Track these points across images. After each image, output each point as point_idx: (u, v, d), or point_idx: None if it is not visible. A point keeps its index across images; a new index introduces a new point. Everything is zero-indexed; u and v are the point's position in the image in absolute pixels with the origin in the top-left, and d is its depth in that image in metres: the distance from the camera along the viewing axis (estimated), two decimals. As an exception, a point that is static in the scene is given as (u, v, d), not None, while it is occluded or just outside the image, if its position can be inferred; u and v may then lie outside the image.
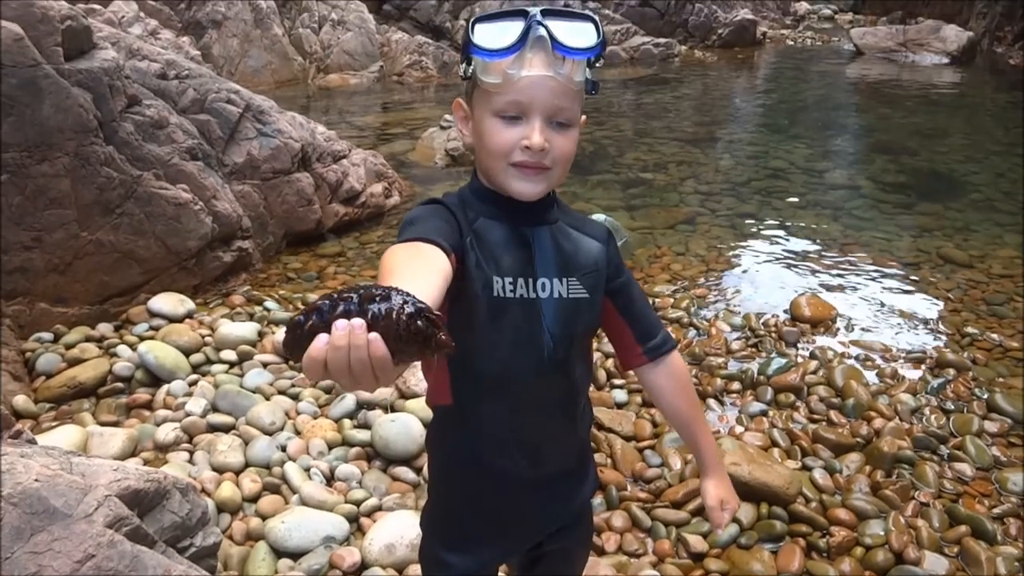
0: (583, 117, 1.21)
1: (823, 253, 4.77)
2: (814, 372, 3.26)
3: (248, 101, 4.47)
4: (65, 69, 3.20)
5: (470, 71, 1.17)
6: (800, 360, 3.38)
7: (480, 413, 1.26)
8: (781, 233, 5.14)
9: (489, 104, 1.15)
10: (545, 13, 1.14)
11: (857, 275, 4.42)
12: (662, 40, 14.37)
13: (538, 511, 1.33)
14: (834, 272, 4.47)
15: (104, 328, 3.43)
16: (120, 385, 3.04)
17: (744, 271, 4.49)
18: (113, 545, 1.41)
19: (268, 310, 3.73)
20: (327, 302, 0.69)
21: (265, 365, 3.19)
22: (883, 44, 14.22)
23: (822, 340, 3.60)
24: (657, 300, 3.99)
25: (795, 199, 5.90)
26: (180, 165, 3.79)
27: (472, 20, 1.14)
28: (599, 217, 4.80)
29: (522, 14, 1.14)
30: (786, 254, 4.77)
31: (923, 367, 3.36)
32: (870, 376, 3.27)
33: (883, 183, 6.44)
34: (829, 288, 4.23)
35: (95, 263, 3.46)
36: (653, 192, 6.01)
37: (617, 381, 3.18)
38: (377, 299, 0.69)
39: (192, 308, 3.63)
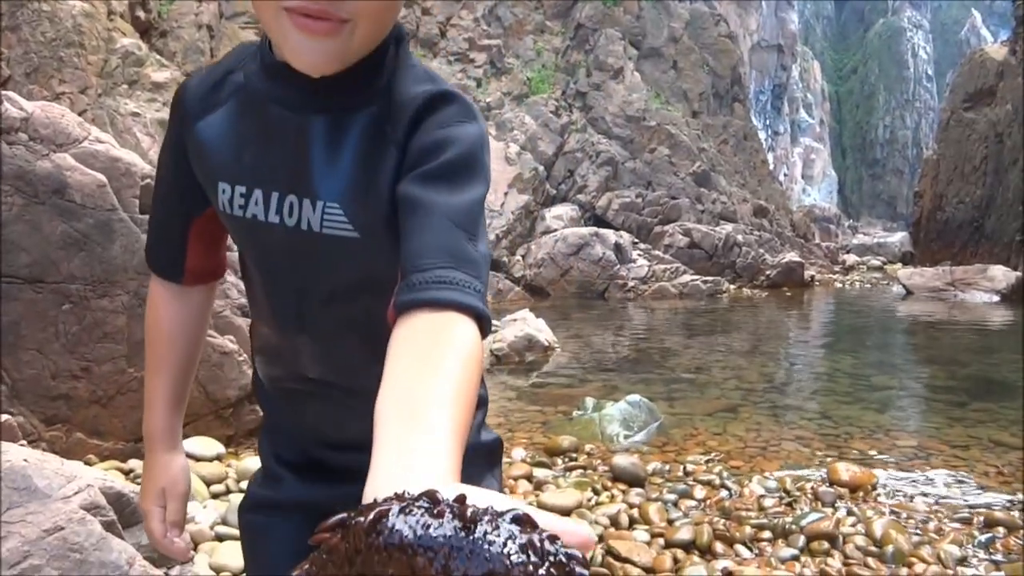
0: None
1: (867, 435, 4.63)
2: (852, 525, 3.08)
3: (302, 276, 4.81)
4: (138, 218, 3.57)
5: None
6: (837, 517, 3.20)
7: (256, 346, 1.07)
8: (825, 421, 5.02)
9: None
10: None
11: (903, 452, 4.26)
12: (710, 278, 14.90)
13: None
14: (877, 449, 4.31)
15: (135, 463, 3.49)
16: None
17: (782, 448, 4.36)
18: (84, 523, 1.42)
19: (296, 460, 3.75)
20: None
21: (283, 496, 3.17)
22: (931, 284, 14.46)
23: (861, 504, 3.42)
24: (689, 466, 3.88)
25: (841, 396, 5.81)
26: (230, 318, 4.04)
27: None
28: (633, 398, 4.81)
29: None
30: (828, 435, 4.64)
31: (970, 526, 3.14)
32: (912, 530, 3.07)
33: (933, 386, 6.33)
34: (871, 461, 4.06)
35: (137, 399, 3.60)
36: (694, 387, 6.02)
37: (640, 525, 3.05)
38: None
39: (222, 452, 3.68)
